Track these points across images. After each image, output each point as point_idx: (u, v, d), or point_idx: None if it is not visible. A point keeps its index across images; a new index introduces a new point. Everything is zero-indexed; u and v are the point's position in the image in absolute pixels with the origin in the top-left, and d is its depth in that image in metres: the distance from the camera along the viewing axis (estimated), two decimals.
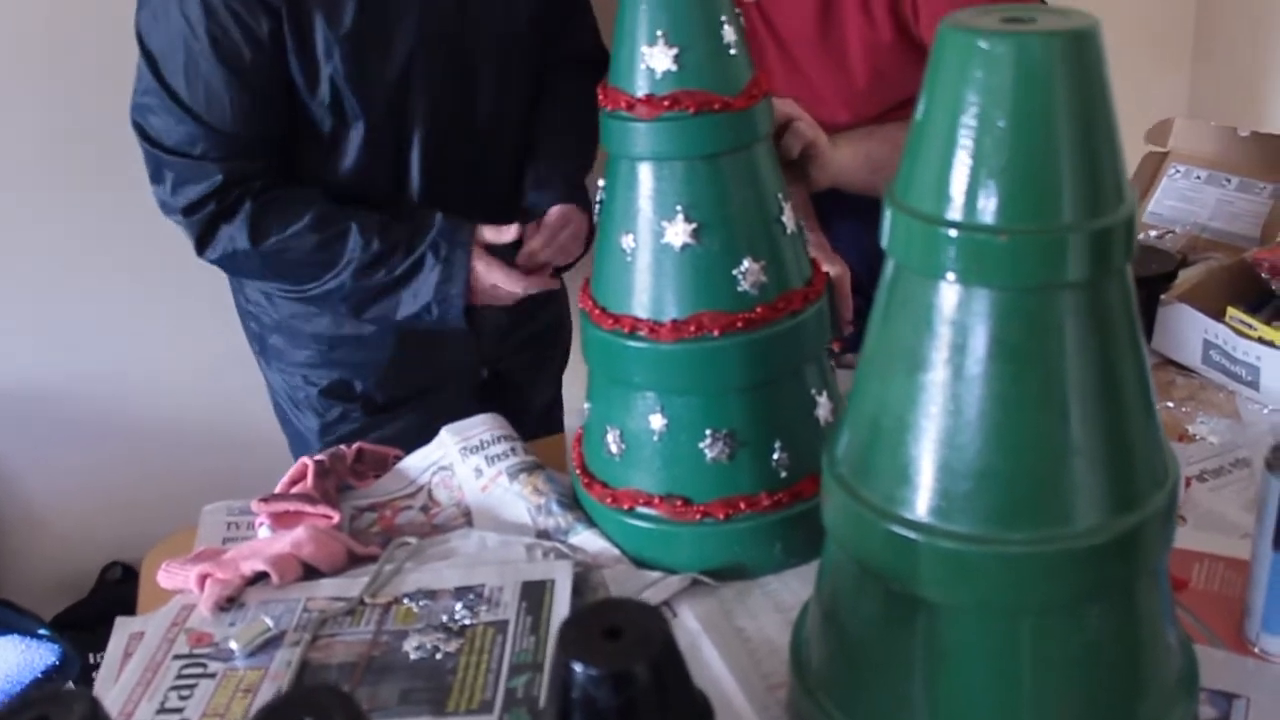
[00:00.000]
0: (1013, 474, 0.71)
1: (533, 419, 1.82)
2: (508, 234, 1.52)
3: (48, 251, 2.01)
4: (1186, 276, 1.52)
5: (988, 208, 0.67)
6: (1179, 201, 1.75)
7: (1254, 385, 1.36)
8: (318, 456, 1.28)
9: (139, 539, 2.11)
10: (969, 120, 0.67)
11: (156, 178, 1.49)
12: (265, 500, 1.23)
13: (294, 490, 1.25)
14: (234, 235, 1.48)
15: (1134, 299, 0.73)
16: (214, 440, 2.21)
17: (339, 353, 1.67)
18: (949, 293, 0.70)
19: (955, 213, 0.68)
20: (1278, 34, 2.46)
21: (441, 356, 1.71)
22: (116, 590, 2.19)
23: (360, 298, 1.53)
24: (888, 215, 0.73)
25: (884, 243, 0.74)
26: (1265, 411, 1.34)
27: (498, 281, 1.51)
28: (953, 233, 0.68)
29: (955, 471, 0.72)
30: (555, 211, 1.58)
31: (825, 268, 1.24)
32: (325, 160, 1.53)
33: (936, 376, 0.71)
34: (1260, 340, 1.35)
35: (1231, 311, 1.40)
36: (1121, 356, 0.72)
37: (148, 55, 1.44)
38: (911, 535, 0.74)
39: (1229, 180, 1.72)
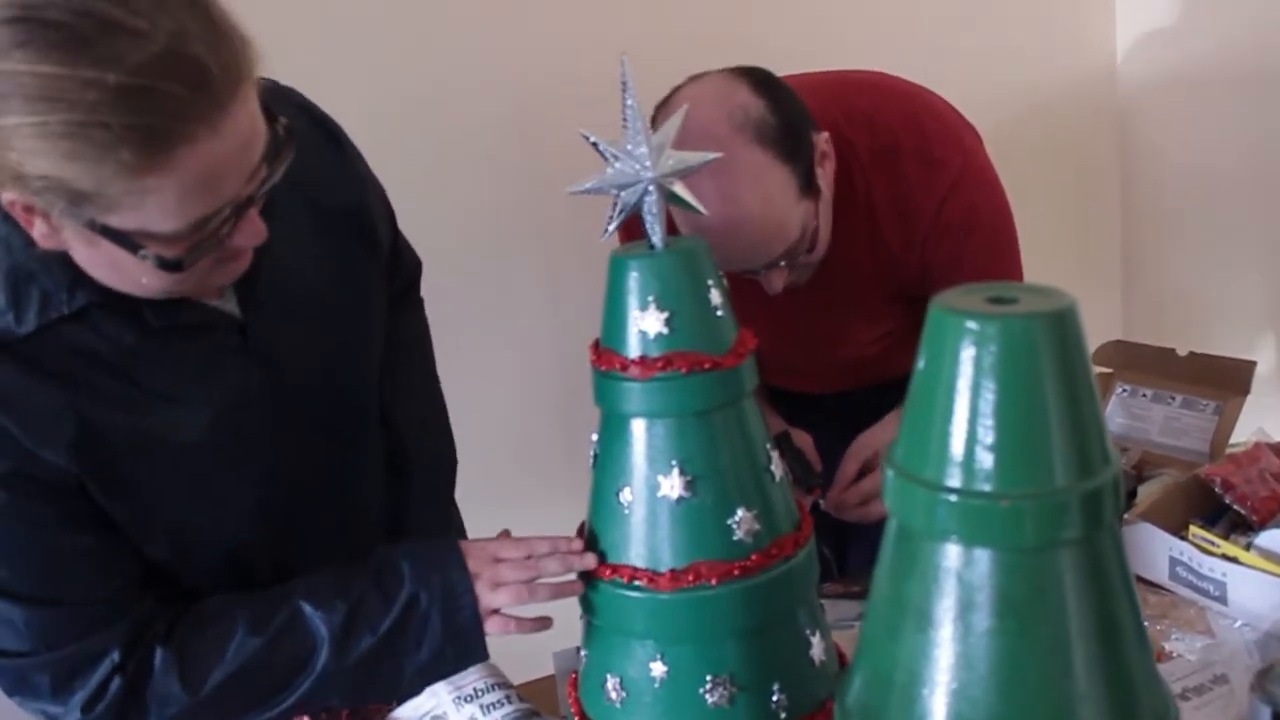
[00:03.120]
0: None
1: None
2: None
3: None
4: (1146, 494, 1.59)
5: (985, 474, 0.72)
6: (1128, 419, 1.83)
7: (1222, 600, 1.41)
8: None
9: None
10: (963, 394, 0.72)
11: (21, 690, 1.14)
12: None
13: None
14: (164, 695, 1.15)
15: (1124, 548, 0.77)
16: None
17: None
18: (952, 553, 0.74)
19: (955, 479, 0.73)
20: (1203, 254, 2.60)
21: None
22: None
23: (351, 679, 1.19)
24: (889, 478, 0.77)
25: (887, 504, 0.78)
26: (1236, 626, 1.38)
27: (498, 552, 1.21)
28: (953, 499, 0.73)
29: None
30: None
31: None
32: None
33: (946, 633, 0.75)
34: (1224, 557, 1.41)
35: (1194, 530, 1.46)
36: (1118, 603, 0.76)
37: None
38: None
39: (1173, 398, 1.81)
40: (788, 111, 1.36)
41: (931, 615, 0.76)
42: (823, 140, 1.41)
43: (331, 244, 1.32)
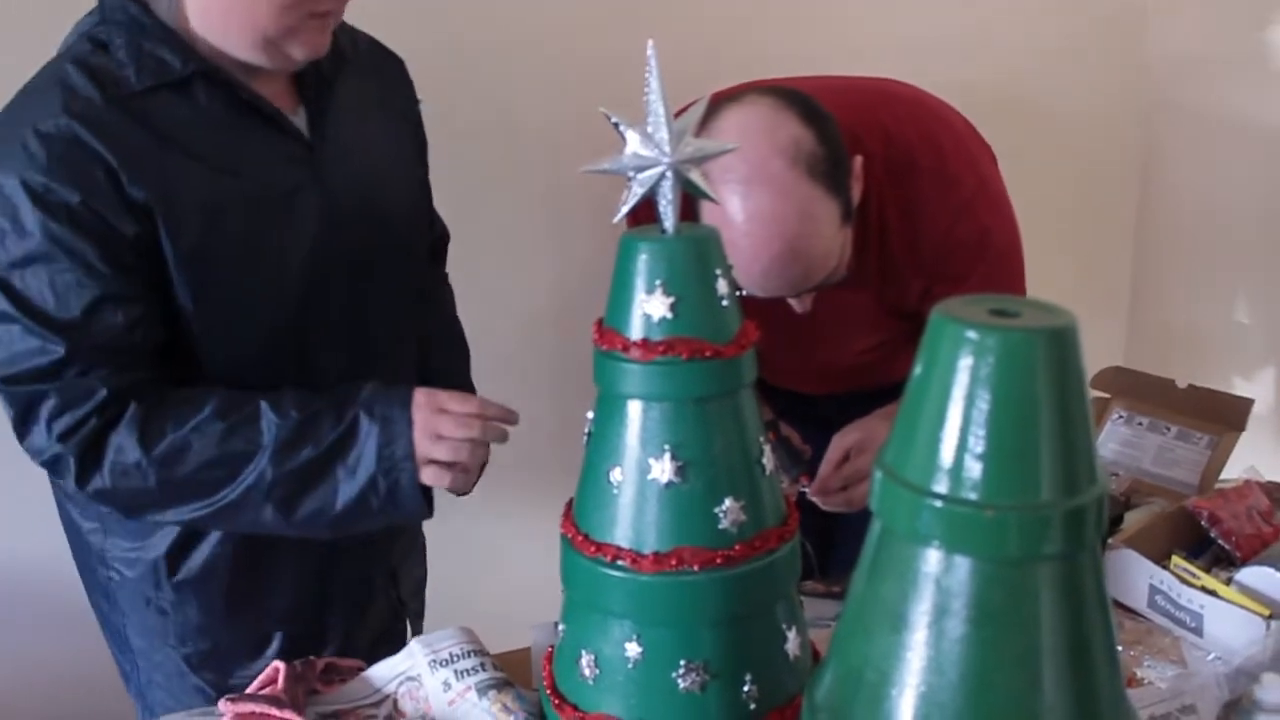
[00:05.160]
0: None
1: None
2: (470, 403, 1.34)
3: None
4: (1132, 521, 1.59)
5: (972, 483, 0.73)
6: (1122, 446, 1.83)
7: (1198, 632, 1.41)
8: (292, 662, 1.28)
9: None
10: (957, 402, 0.73)
11: (26, 420, 1.30)
12: (232, 700, 1.23)
13: (264, 692, 1.25)
14: (121, 444, 1.28)
15: (1103, 569, 0.78)
16: None
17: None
18: (933, 558, 0.75)
19: (942, 486, 0.74)
20: (1211, 289, 2.61)
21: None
22: None
23: (288, 489, 1.30)
24: (878, 480, 0.78)
25: (873, 506, 0.79)
26: (1209, 658, 1.39)
27: (446, 403, 1.31)
28: (938, 504, 0.73)
29: None
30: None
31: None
32: (205, 365, 1.38)
33: (920, 636, 0.76)
34: (1203, 589, 1.42)
35: (1176, 560, 1.46)
36: (1092, 623, 0.77)
37: None
38: None
39: (1169, 429, 1.81)
40: (834, 142, 1.37)
41: (907, 618, 0.76)
42: (857, 165, 1.42)
43: (391, 130, 1.55)
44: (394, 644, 1.52)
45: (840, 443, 1.57)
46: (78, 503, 1.49)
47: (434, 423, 1.30)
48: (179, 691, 1.53)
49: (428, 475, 1.31)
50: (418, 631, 1.75)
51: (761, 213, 1.31)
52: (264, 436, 1.29)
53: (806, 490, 1.56)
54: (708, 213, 1.32)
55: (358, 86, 1.50)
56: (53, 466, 1.32)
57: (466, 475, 1.36)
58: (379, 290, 1.51)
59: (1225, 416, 1.79)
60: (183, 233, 1.30)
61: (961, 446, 0.73)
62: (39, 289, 1.27)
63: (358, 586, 1.61)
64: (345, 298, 1.46)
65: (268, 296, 1.39)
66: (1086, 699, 0.76)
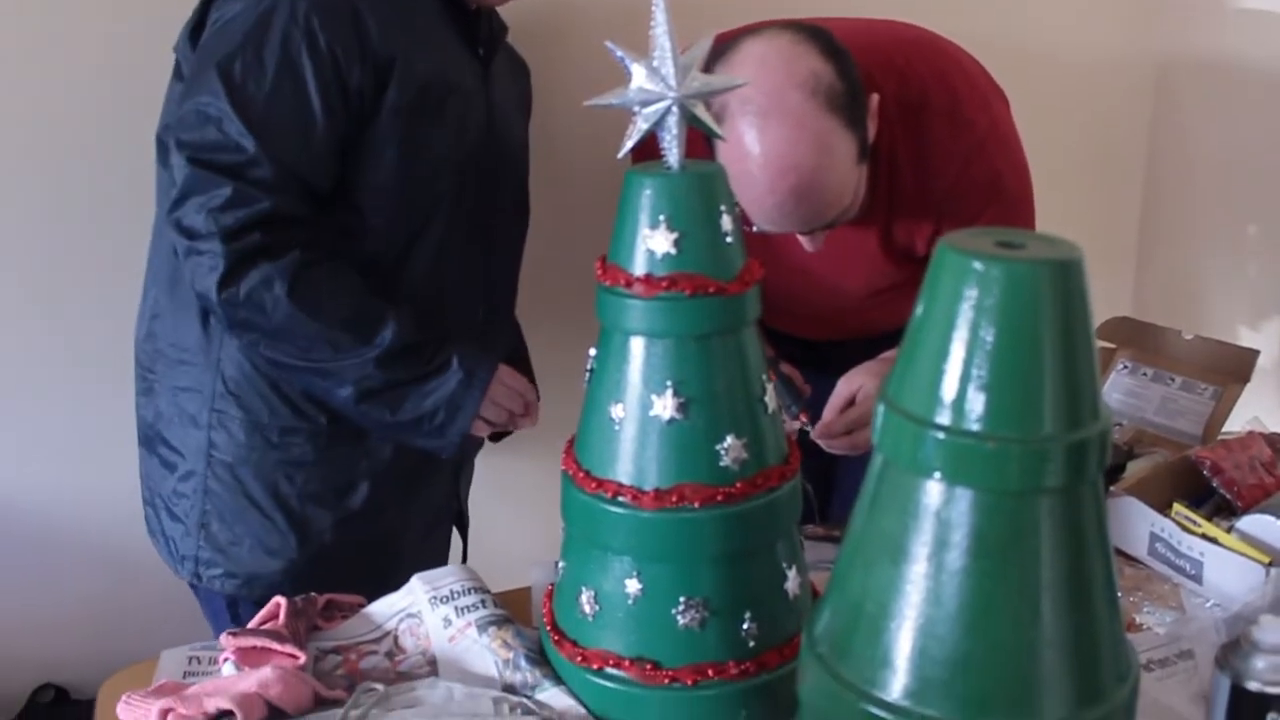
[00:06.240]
0: (987, 664, 0.76)
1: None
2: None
3: None
4: (1134, 470, 1.59)
5: (975, 415, 0.73)
6: (1126, 396, 1.83)
7: (1197, 579, 1.42)
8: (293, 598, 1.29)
9: (73, 660, 2.09)
10: (961, 333, 0.73)
11: (191, 195, 1.43)
12: (234, 634, 1.24)
13: (265, 627, 1.26)
14: (270, 276, 1.44)
15: (1104, 505, 0.78)
16: (149, 564, 2.16)
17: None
18: (934, 490, 0.75)
19: (944, 417, 0.74)
20: (1219, 241, 2.59)
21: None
22: (48, 713, 2.15)
23: (374, 384, 1.50)
24: (880, 413, 0.78)
25: (874, 439, 0.79)
26: (1208, 605, 1.39)
27: (506, 379, 1.57)
28: (941, 435, 0.73)
29: (933, 658, 0.76)
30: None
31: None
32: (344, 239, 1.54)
33: (919, 568, 0.76)
34: (1204, 536, 1.42)
35: (1177, 507, 1.46)
36: (1092, 558, 0.77)
37: (223, 71, 1.42)
38: (887, 716, 0.78)
39: (1173, 379, 1.81)
40: (852, 78, 1.35)
41: (907, 550, 0.77)
42: (874, 103, 1.41)
43: (520, 114, 1.81)
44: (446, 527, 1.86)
45: (846, 386, 1.56)
46: (185, 336, 1.60)
47: (494, 389, 1.55)
48: (257, 541, 1.62)
49: (475, 425, 1.55)
50: (464, 534, 1.91)
51: (778, 144, 1.30)
52: (379, 337, 1.48)
53: (808, 428, 1.56)
54: (723, 147, 1.32)
55: (506, 65, 1.75)
56: (196, 251, 1.44)
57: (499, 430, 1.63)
58: (501, 226, 1.71)
59: (1230, 368, 1.78)
60: (403, 91, 1.49)
61: (964, 378, 0.73)
62: (254, 93, 1.43)
63: (444, 464, 1.75)
64: (477, 215, 1.65)
65: (427, 179, 1.56)
66: (1084, 632, 0.77)
